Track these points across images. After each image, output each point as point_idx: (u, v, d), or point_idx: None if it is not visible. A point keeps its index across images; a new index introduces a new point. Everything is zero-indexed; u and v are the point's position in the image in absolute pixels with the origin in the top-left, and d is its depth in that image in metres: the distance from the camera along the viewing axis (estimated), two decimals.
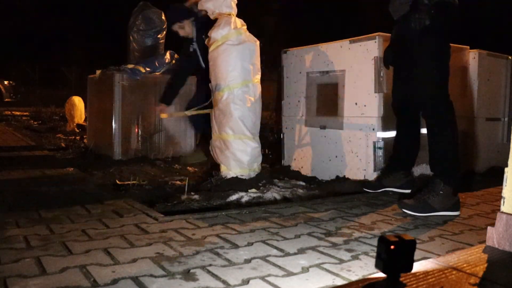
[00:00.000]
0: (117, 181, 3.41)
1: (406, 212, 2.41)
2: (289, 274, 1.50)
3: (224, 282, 1.42)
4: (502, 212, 1.67)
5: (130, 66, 4.72)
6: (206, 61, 3.32)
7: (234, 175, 3.08)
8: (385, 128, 3.27)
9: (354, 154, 3.43)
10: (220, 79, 3.08)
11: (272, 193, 2.94)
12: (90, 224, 2.08)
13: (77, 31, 24.54)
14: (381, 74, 3.25)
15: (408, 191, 2.83)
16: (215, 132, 3.18)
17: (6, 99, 15.94)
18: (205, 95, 3.60)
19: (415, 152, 2.86)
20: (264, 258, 1.65)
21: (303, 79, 3.88)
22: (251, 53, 3.13)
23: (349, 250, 1.76)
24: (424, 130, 3.11)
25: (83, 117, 8.02)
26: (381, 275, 1.30)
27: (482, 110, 4.01)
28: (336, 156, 3.58)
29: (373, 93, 3.28)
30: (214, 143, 3.19)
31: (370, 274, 1.50)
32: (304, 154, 3.90)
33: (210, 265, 1.57)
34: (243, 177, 3.06)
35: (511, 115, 4.23)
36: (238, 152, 3.08)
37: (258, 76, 3.17)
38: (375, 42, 3.25)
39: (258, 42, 3.18)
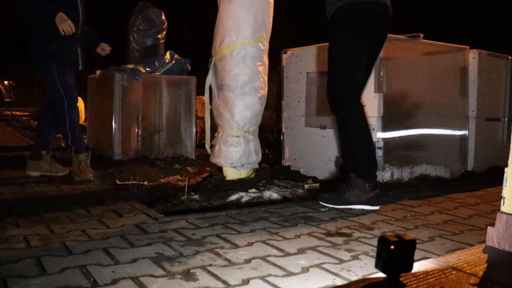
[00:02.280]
0: (117, 181, 3.41)
1: (323, 204, 2.53)
2: (289, 274, 1.50)
3: (224, 282, 1.42)
4: (502, 212, 1.67)
5: (130, 66, 4.72)
6: None
7: (231, 136, 3.03)
8: (385, 128, 3.27)
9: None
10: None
11: (272, 193, 2.94)
12: (90, 224, 2.08)
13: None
14: (381, 74, 3.25)
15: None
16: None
17: (6, 99, 15.96)
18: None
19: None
20: (264, 258, 1.65)
21: (303, 79, 3.88)
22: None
23: (349, 250, 1.76)
24: (425, 131, 3.12)
25: (83, 117, 8.02)
26: (381, 275, 1.31)
27: (482, 110, 4.01)
28: (336, 156, 3.58)
29: (373, 93, 3.28)
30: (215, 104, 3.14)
31: (370, 274, 1.50)
32: (304, 154, 3.90)
33: (210, 265, 1.57)
34: (238, 141, 3.02)
35: (511, 115, 4.23)
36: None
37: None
38: None
39: None
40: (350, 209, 2.50)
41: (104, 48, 3.84)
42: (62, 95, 3.37)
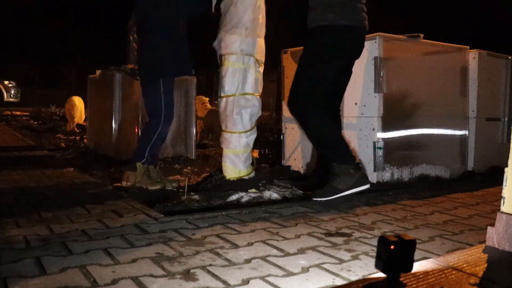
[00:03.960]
0: (115, 184, 3.41)
1: (316, 201, 2.59)
2: (289, 274, 1.50)
3: (224, 282, 1.42)
4: (502, 212, 1.67)
5: (130, 66, 4.72)
6: None
7: None
8: (385, 128, 3.27)
9: (354, 154, 3.43)
10: None
11: (272, 193, 2.94)
12: (90, 224, 2.08)
13: (77, 31, 24.56)
14: (381, 74, 3.25)
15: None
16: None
17: (7, 99, 15.96)
18: None
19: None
20: (264, 258, 1.65)
21: None
22: None
23: (349, 250, 1.76)
24: (425, 131, 3.12)
25: (83, 117, 8.02)
26: (381, 275, 1.31)
27: (482, 110, 4.01)
28: None
29: (373, 93, 3.28)
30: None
31: (370, 274, 1.50)
32: (304, 154, 3.90)
33: (210, 265, 1.57)
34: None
35: (511, 115, 4.23)
36: None
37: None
38: (375, 42, 3.25)
39: None
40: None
41: None
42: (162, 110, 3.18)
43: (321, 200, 2.59)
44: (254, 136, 3.26)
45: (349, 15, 2.66)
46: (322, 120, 2.71)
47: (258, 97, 3.21)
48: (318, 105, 2.69)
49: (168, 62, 3.16)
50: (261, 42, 3.20)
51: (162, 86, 3.17)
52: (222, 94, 3.20)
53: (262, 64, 3.27)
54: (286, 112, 4.09)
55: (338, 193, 2.57)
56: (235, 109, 3.15)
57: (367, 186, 2.58)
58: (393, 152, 3.35)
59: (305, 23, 2.77)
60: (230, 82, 3.14)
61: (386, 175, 3.34)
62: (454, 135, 3.82)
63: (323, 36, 2.69)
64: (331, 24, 2.64)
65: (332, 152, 2.70)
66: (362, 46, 2.84)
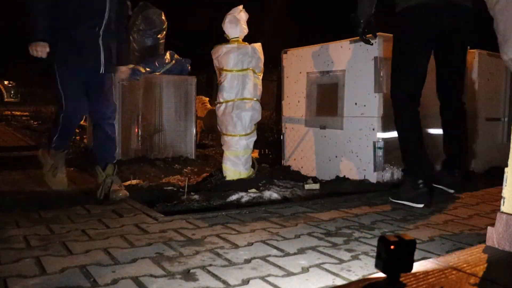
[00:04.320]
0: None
1: (391, 200, 2.66)
2: (289, 274, 1.50)
3: (224, 282, 1.42)
4: (502, 212, 1.67)
5: (130, 66, 4.71)
6: None
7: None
8: (385, 128, 3.27)
9: (354, 154, 3.43)
10: None
11: (272, 193, 2.94)
12: (90, 224, 2.08)
13: None
14: (381, 74, 3.25)
15: (452, 191, 2.84)
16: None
17: (6, 99, 15.95)
18: None
19: (463, 155, 2.96)
20: (264, 258, 1.65)
21: (303, 79, 3.88)
22: None
23: (349, 250, 1.76)
24: (426, 130, 3.12)
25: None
26: (381, 275, 1.30)
27: (482, 110, 4.01)
28: (336, 156, 3.58)
29: (373, 93, 3.28)
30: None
31: (370, 274, 1.50)
32: (304, 154, 3.90)
33: (210, 265, 1.57)
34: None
35: (511, 115, 4.23)
36: None
37: None
38: (375, 42, 3.25)
39: None
40: (403, 204, 2.58)
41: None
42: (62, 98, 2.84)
43: (391, 201, 2.65)
44: (254, 138, 3.28)
45: None
46: (410, 125, 2.67)
47: (258, 102, 3.24)
48: (398, 101, 2.67)
49: (62, 48, 2.80)
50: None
51: (57, 74, 2.83)
52: (222, 100, 3.22)
53: (261, 73, 3.29)
54: (286, 112, 4.10)
55: (398, 200, 2.61)
56: (235, 112, 3.16)
57: (419, 206, 2.54)
58: (393, 152, 3.34)
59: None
60: (229, 88, 3.17)
61: (386, 175, 3.34)
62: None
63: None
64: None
65: (406, 162, 2.69)
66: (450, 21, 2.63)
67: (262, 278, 1.45)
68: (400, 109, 2.66)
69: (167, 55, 4.97)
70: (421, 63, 2.62)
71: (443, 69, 2.75)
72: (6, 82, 16.55)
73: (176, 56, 5.01)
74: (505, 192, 1.68)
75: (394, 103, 2.68)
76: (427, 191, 2.56)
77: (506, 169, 1.69)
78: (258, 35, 3.37)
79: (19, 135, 6.99)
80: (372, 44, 2.97)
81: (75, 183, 3.21)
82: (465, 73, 2.92)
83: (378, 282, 1.30)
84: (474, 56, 3.93)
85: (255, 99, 3.22)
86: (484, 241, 1.73)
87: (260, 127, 3.28)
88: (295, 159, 4.00)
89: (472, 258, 1.55)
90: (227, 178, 3.18)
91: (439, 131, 3.17)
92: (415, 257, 1.30)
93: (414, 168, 2.63)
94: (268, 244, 1.83)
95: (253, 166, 3.38)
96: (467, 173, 3.86)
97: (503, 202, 1.68)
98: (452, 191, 2.83)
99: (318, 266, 1.58)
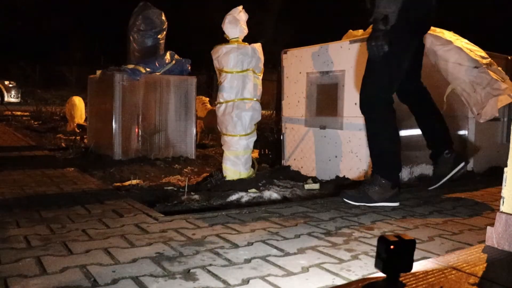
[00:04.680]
0: (115, 184, 3.42)
1: (346, 202, 2.59)
2: (289, 274, 1.50)
3: (224, 282, 1.42)
4: (502, 212, 1.68)
5: (130, 66, 4.72)
6: None
7: None
8: None
9: (354, 154, 3.43)
10: None
11: (272, 193, 2.94)
12: (91, 224, 2.09)
13: (77, 31, 24.57)
14: None
15: (462, 164, 2.79)
16: None
17: (7, 99, 15.95)
18: None
19: (442, 129, 2.90)
20: (264, 258, 1.65)
21: (303, 79, 3.88)
22: None
23: (349, 250, 1.76)
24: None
25: (84, 117, 8.03)
26: (381, 275, 1.31)
27: None
28: (336, 156, 3.58)
29: None
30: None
31: (370, 274, 1.50)
32: (304, 154, 3.90)
33: (210, 265, 1.57)
34: None
35: (511, 115, 4.23)
36: None
37: None
38: None
39: None
40: (374, 206, 2.55)
41: None
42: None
43: (351, 203, 2.59)
44: (254, 138, 3.29)
45: None
46: (389, 127, 2.63)
47: (258, 102, 3.25)
48: (384, 102, 2.60)
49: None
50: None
51: None
52: (222, 100, 3.23)
53: (261, 73, 3.30)
54: (286, 112, 4.10)
55: (370, 202, 2.58)
56: (235, 112, 3.17)
57: (396, 204, 2.58)
58: None
59: None
60: (229, 89, 3.17)
61: None
62: (454, 135, 3.82)
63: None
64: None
65: (383, 164, 2.65)
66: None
67: (262, 278, 1.46)
68: (384, 109, 2.59)
69: (167, 55, 4.97)
70: (409, 57, 2.59)
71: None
72: (6, 82, 16.56)
73: (176, 56, 5.01)
74: (505, 192, 1.69)
75: (376, 103, 2.58)
76: (398, 191, 2.62)
77: (505, 169, 1.69)
78: (258, 36, 3.36)
79: (20, 135, 6.99)
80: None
81: (75, 183, 3.21)
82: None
83: (378, 282, 1.31)
84: None
85: (255, 99, 3.24)
86: (483, 241, 1.73)
87: (260, 127, 3.29)
88: (295, 159, 4.00)
89: (471, 258, 1.55)
90: (227, 178, 3.19)
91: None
92: (415, 257, 1.30)
93: (390, 172, 2.61)
94: (268, 244, 1.83)
95: (253, 166, 3.38)
96: (466, 173, 3.86)
97: (503, 202, 1.69)
98: (462, 164, 2.79)
99: (318, 265, 1.58)
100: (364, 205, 2.56)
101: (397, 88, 2.66)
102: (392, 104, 2.62)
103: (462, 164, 2.81)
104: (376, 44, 2.39)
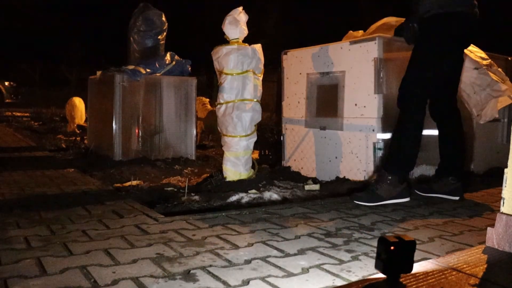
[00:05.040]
0: (115, 185, 3.42)
1: (357, 203, 2.60)
2: (289, 274, 1.50)
3: (224, 282, 1.42)
4: (502, 213, 1.68)
5: (131, 67, 4.72)
6: None
7: None
8: (384, 129, 3.27)
9: (354, 155, 3.44)
10: None
11: (272, 194, 2.94)
12: (91, 225, 2.09)
13: (77, 31, 24.58)
14: (381, 75, 3.26)
15: (456, 198, 2.81)
16: None
17: (7, 100, 15.95)
18: None
19: (458, 157, 2.91)
20: (264, 259, 1.65)
21: (303, 80, 3.89)
22: None
23: (349, 251, 1.76)
24: (425, 131, 3.13)
25: (84, 118, 8.03)
26: (381, 275, 1.31)
27: None
28: (336, 157, 3.59)
29: (373, 94, 3.28)
30: None
31: (370, 274, 1.50)
32: (304, 155, 3.91)
33: (210, 265, 1.57)
34: None
35: (510, 116, 4.23)
36: None
37: None
38: (375, 43, 3.26)
39: None
40: (384, 205, 2.57)
41: None
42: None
43: (362, 204, 2.59)
44: (254, 139, 3.29)
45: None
46: (408, 125, 2.67)
47: (258, 103, 3.25)
48: (410, 102, 2.67)
49: None
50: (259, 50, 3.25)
51: None
52: (222, 101, 3.23)
53: (261, 74, 3.30)
54: (286, 113, 4.10)
55: (380, 201, 2.59)
56: (235, 113, 3.17)
57: (406, 199, 2.62)
58: None
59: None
60: (229, 89, 3.18)
61: None
62: None
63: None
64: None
65: (391, 161, 2.68)
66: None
67: (262, 279, 1.46)
68: (415, 108, 2.64)
69: (168, 56, 4.97)
70: (448, 64, 2.68)
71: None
72: (6, 83, 16.56)
73: (176, 57, 5.02)
74: (505, 192, 1.69)
75: (409, 101, 2.64)
76: (406, 185, 2.65)
77: (505, 170, 1.69)
78: (258, 36, 3.37)
79: (20, 136, 6.99)
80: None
81: (75, 184, 3.22)
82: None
83: (378, 283, 1.31)
84: None
85: (255, 100, 3.24)
86: (484, 242, 1.73)
87: (260, 128, 3.29)
88: (295, 160, 4.01)
89: (472, 258, 1.55)
90: (227, 179, 3.19)
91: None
92: (415, 258, 1.30)
93: (401, 170, 2.65)
94: (268, 244, 1.83)
95: (253, 167, 3.38)
96: (466, 174, 3.86)
97: (503, 202, 1.69)
98: (456, 197, 2.81)
99: (318, 266, 1.58)
100: (374, 204, 2.58)
101: (433, 98, 2.74)
102: (424, 106, 2.67)
103: (456, 198, 2.82)
104: (410, 26, 2.63)
